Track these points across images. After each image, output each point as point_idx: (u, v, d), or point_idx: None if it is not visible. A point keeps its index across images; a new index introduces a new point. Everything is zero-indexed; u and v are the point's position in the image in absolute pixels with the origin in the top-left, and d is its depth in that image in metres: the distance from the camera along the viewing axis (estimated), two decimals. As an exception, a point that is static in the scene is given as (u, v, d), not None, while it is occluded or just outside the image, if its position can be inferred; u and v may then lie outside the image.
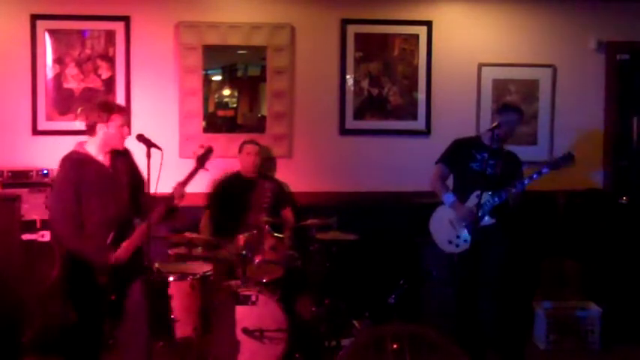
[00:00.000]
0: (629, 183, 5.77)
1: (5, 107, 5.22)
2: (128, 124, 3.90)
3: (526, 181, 4.32)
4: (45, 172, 4.92)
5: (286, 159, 5.48)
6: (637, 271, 5.18)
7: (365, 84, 5.53)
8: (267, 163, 5.37)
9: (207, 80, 5.41)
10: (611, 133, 5.72)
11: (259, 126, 5.46)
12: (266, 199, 5.03)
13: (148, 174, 3.57)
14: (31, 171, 4.92)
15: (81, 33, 5.26)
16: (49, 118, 5.24)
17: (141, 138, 3.70)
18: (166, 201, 3.78)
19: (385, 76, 5.54)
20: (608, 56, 5.68)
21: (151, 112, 5.26)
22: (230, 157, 5.23)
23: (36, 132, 5.24)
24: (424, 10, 5.55)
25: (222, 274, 4.51)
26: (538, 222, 5.44)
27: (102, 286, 3.58)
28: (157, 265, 4.13)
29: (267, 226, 4.67)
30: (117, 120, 3.71)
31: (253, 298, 4.23)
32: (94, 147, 3.74)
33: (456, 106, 5.55)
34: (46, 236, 4.83)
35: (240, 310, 4.22)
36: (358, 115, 5.53)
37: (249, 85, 5.53)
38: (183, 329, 4.06)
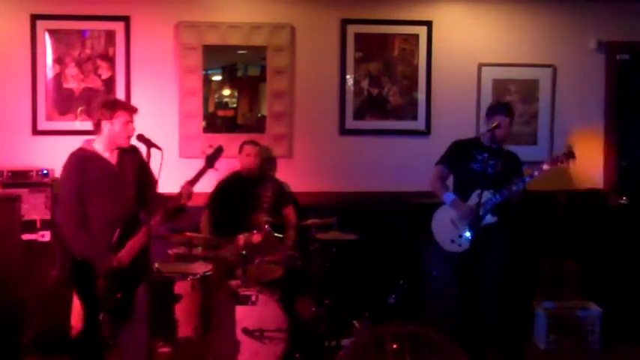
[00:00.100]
0: (629, 183, 5.76)
1: (5, 107, 5.22)
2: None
3: (527, 179, 4.32)
4: (45, 172, 4.92)
5: (286, 159, 5.48)
6: (637, 271, 5.19)
7: (365, 84, 5.53)
8: (267, 163, 5.37)
9: (207, 80, 5.41)
10: (611, 133, 5.71)
11: (259, 126, 5.46)
12: (266, 199, 5.03)
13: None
14: (31, 171, 4.92)
15: (81, 33, 5.26)
16: (49, 118, 5.24)
17: (141, 138, 3.71)
18: (174, 200, 3.77)
19: (385, 76, 5.54)
20: (608, 56, 5.67)
21: (151, 112, 5.24)
22: (230, 157, 5.23)
23: (36, 132, 5.24)
24: (424, 10, 5.55)
25: (222, 274, 4.52)
26: (538, 222, 5.44)
27: (103, 286, 3.57)
28: (156, 265, 4.14)
29: (267, 226, 4.66)
30: (121, 117, 3.69)
31: (253, 298, 4.23)
32: (101, 144, 3.72)
33: (456, 106, 5.55)
34: (46, 236, 4.84)
35: (240, 310, 4.22)
36: (358, 115, 5.53)
37: (249, 85, 5.53)
38: (183, 329, 4.07)
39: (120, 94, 5.23)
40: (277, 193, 5.16)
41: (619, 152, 5.75)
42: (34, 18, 5.18)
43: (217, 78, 5.49)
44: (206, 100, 5.41)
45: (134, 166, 3.76)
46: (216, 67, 5.46)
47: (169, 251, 4.57)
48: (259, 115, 5.51)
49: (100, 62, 5.28)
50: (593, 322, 5.01)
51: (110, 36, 5.27)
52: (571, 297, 5.23)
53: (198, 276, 4.21)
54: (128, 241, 3.65)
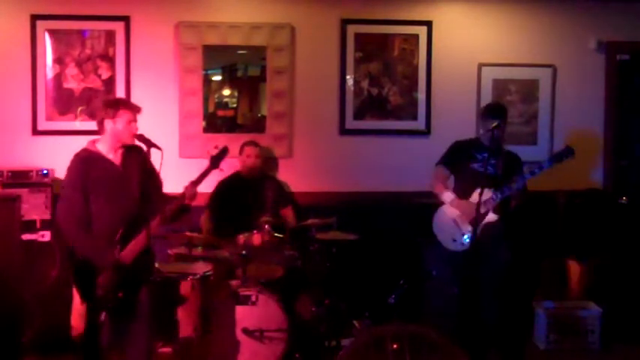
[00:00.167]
0: (629, 183, 5.76)
1: (5, 107, 5.22)
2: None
3: (527, 176, 4.31)
4: (45, 172, 4.92)
5: (286, 159, 5.48)
6: (637, 271, 5.18)
7: (365, 84, 5.53)
8: (268, 163, 5.37)
9: (207, 80, 5.41)
10: (611, 133, 5.71)
11: (259, 126, 5.46)
12: (266, 199, 5.03)
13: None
14: (31, 171, 4.92)
15: (81, 33, 5.26)
16: (49, 118, 5.24)
17: (141, 138, 3.70)
18: (178, 200, 3.77)
19: (385, 76, 5.54)
20: (608, 56, 5.67)
21: (151, 112, 5.21)
22: (230, 157, 5.21)
23: (36, 132, 5.23)
24: (424, 10, 5.55)
25: (222, 274, 4.51)
26: (538, 222, 5.44)
27: (104, 285, 3.57)
28: (156, 265, 4.14)
29: (267, 226, 4.66)
30: (124, 116, 3.68)
31: (253, 298, 4.23)
32: (105, 144, 3.72)
33: (456, 106, 5.55)
34: (46, 236, 4.84)
35: (240, 310, 4.22)
36: (358, 115, 5.53)
37: (249, 85, 5.53)
38: (183, 329, 4.07)
39: (120, 94, 5.23)
40: (277, 194, 5.16)
41: (619, 152, 5.75)
42: (34, 18, 5.18)
43: (217, 78, 5.49)
44: (206, 100, 5.41)
45: (139, 166, 3.75)
46: (216, 67, 5.46)
47: (169, 251, 4.57)
48: (259, 115, 5.51)
49: (100, 62, 5.28)
50: (593, 322, 5.01)
51: (110, 36, 5.27)
52: (571, 297, 5.23)
53: (198, 276, 4.21)
54: (130, 241, 3.64)
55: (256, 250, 4.61)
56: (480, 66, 5.58)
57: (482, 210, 4.21)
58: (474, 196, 4.31)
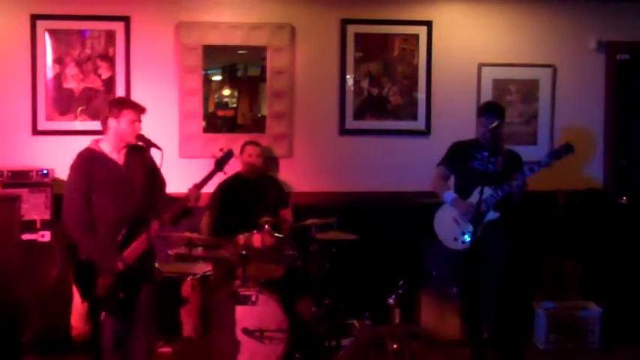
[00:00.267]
0: (629, 183, 5.76)
1: (5, 107, 5.22)
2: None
3: (527, 173, 4.31)
4: (45, 172, 4.92)
5: (286, 159, 5.48)
6: (637, 271, 5.18)
7: (365, 84, 5.53)
8: (269, 163, 5.37)
9: (207, 80, 5.41)
10: (611, 133, 5.71)
11: (259, 126, 5.46)
12: (266, 200, 5.03)
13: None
14: (31, 171, 4.92)
15: (81, 33, 5.26)
16: (49, 118, 5.24)
17: (141, 138, 3.71)
18: (181, 202, 3.76)
19: (385, 76, 5.54)
20: (608, 56, 5.68)
21: (151, 112, 5.21)
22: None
23: (36, 132, 5.23)
24: (424, 10, 5.55)
25: (222, 274, 4.51)
26: (538, 222, 5.44)
27: (105, 286, 3.56)
28: (156, 265, 4.14)
29: (267, 226, 4.66)
30: (128, 115, 3.68)
31: (253, 298, 4.23)
32: (108, 144, 3.71)
33: (456, 106, 5.55)
34: (46, 236, 4.83)
35: (240, 310, 4.22)
36: (358, 115, 5.53)
37: (249, 85, 5.53)
38: (183, 329, 4.07)
39: (120, 94, 5.23)
40: (277, 194, 5.16)
41: (619, 152, 5.75)
42: (34, 18, 5.18)
43: (217, 78, 5.49)
44: (206, 100, 5.41)
45: (142, 167, 3.74)
46: (216, 67, 5.46)
47: (169, 251, 4.57)
48: (259, 115, 5.51)
49: (100, 62, 5.28)
50: (593, 322, 5.01)
51: (110, 36, 5.27)
52: (571, 297, 5.23)
53: (198, 276, 4.21)
54: (133, 242, 3.64)
55: (256, 250, 4.61)
56: (480, 66, 5.58)
57: (483, 208, 4.21)
58: (475, 195, 4.31)
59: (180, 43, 5.32)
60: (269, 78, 5.43)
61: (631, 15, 5.66)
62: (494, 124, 4.29)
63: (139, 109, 3.74)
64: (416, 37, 5.54)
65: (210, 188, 4.92)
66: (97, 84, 5.28)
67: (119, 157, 3.71)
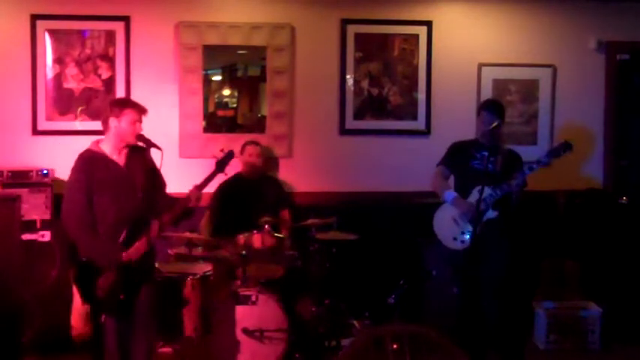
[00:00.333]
0: (629, 183, 5.76)
1: (5, 107, 5.22)
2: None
3: (526, 172, 4.30)
4: (45, 172, 4.92)
5: (286, 159, 5.48)
6: (637, 271, 5.19)
7: (365, 84, 5.53)
8: (269, 162, 5.37)
9: (207, 80, 5.41)
10: (611, 133, 5.71)
11: (259, 126, 5.46)
12: (267, 200, 5.03)
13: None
14: (31, 171, 4.92)
15: (81, 33, 5.26)
16: (49, 118, 5.24)
17: (141, 138, 3.71)
18: (182, 203, 3.76)
19: (385, 76, 5.54)
20: (608, 56, 5.68)
21: (151, 112, 5.21)
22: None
23: (36, 132, 5.23)
24: (424, 10, 5.55)
25: (222, 274, 4.51)
26: (538, 222, 5.44)
27: (106, 286, 3.56)
28: (157, 265, 4.14)
29: (267, 226, 4.66)
30: (130, 115, 3.67)
31: (253, 298, 4.23)
32: (108, 145, 3.70)
33: (456, 106, 5.55)
34: (46, 236, 4.83)
35: (240, 310, 4.22)
36: (358, 115, 5.53)
37: (249, 85, 5.53)
38: (185, 329, 4.07)
39: (120, 94, 5.23)
40: (277, 195, 5.16)
41: (619, 152, 5.75)
42: (34, 18, 5.18)
43: (217, 78, 5.49)
44: (206, 100, 5.41)
45: (143, 167, 3.74)
46: (216, 67, 5.46)
47: (169, 251, 4.57)
48: (259, 115, 5.51)
49: (100, 62, 5.28)
50: (593, 322, 5.01)
51: (110, 36, 5.27)
52: (571, 297, 5.23)
53: (198, 276, 4.21)
54: (135, 243, 3.63)
55: (256, 250, 4.61)
56: (480, 66, 5.58)
57: (482, 207, 4.21)
58: (474, 194, 4.31)
59: (180, 43, 5.32)
60: (269, 78, 5.43)
61: (631, 15, 5.66)
62: (495, 124, 4.29)
63: (141, 110, 3.73)
64: (416, 37, 5.54)
65: (210, 188, 4.92)
66: (97, 84, 5.28)
67: (120, 158, 3.71)
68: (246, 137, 5.26)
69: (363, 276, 5.24)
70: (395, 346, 2.81)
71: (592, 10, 5.65)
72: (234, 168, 5.12)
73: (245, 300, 4.23)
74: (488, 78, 5.59)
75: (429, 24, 5.53)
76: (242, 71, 5.52)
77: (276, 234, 4.74)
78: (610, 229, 5.29)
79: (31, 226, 4.78)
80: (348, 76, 5.50)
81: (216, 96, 5.48)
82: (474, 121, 5.44)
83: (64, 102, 5.26)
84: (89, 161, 3.65)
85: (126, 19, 5.26)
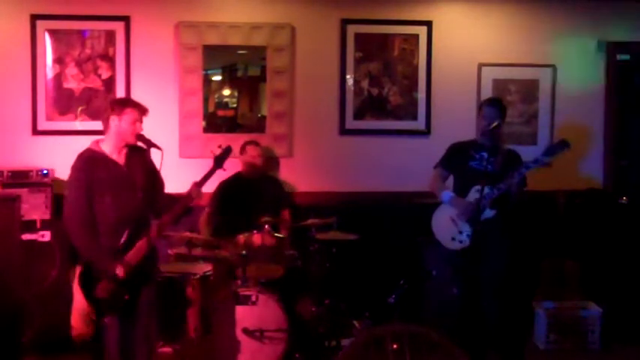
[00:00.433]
0: (629, 183, 5.76)
1: (5, 107, 5.22)
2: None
3: (524, 170, 4.29)
4: (45, 172, 4.92)
5: (286, 159, 5.48)
6: (637, 271, 5.19)
7: (365, 84, 5.53)
8: (270, 162, 5.37)
9: (207, 80, 5.41)
10: (611, 133, 5.71)
11: (259, 126, 5.47)
12: (267, 199, 5.03)
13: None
14: (31, 171, 4.92)
15: (81, 33, 5.26)
16: (49, 118, 5.24)
17: (141, 138, 3.70)
18: (183, 201, 3.76)
19: (385, 76, 5.54)
20: (608, 56, 5.68)
21: (151, 112, 5.21)
22: (231, 157, 5.21)
23: (36, 132, 5.23)
24: (424, 10, 5.55)
25: (222, 274, 4.51)
26: (538, 222, 5.44)
27: (109, 290, 3.56)
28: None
29: (267, 226, 4.66)
30: (130, 114, 3.66)
31: (253, 298, 4.23)
32: (109, 144, 3.69)
33: (456, 106, 5.55)
34: (46, 236, 4.84)
35: (240, 310, 4.22)
36: (358, 115, 5.53)
37: (249, 85, 5.53)
38: (188, 330, 4.07)
39: (120, 94, 5.23)
40: (277, 194, 5.16)
41: (619, 152, 5.75)
42: (34, 18, 5.18)
43: (217, 78, 5.49)
44: (206, 100, 5.41)
45: (143, 167, 3.73)
46: (216, 67, 5.46)
47: (169, 251, 4.57)
48: (259, 115, 5.51)
49: (100, 62, 5.28)
50: (593, 322, 5.01)
51: (110, 36, 5.27)
52: (571, 297, 5.23)
53: (198, 276, 4.21)
54: (136, 243, 3.63)
55: (256, 250, 4.61)
56: (480, 66, 5.58)
57: (480, 206, 4.20)
58: (471, 194, 4.31)
59: (180, 43, 5.32)
60: (269, 78, 5.43)
61: (631, 15, 5.66)
62: (495, 124, 4.29)
63: (142, 110, 3.72)
64: (416, 37, 5.54)
65: (210, 188, 4.93)
66: (97, 84, 5.29)
67: (120, 158, 3.70)
68: (246, 137, 5.26)
69: (363, 276, 5.24)
70: (395, 346, 2.81)
71: (592, 10, 5.65)
72: (234, 168, 5.13)
73: (245, 300, 4.23)
74: (488, 78, 5.59)
75: (429, 24, 5.53)
76: (242, 71, 5.52)
77: (276, 234, 4.73)
78: (610, 229, 5.29)
79: (31, 226, 4.78)
80: (348, 76, 5.50)
81: (216, 96, 5.49)
82: (474, 121, 5.44)
83: (64, 102, 5.26)
84: (89, 161, 3.64)
85: (126, 19, 5.26)
